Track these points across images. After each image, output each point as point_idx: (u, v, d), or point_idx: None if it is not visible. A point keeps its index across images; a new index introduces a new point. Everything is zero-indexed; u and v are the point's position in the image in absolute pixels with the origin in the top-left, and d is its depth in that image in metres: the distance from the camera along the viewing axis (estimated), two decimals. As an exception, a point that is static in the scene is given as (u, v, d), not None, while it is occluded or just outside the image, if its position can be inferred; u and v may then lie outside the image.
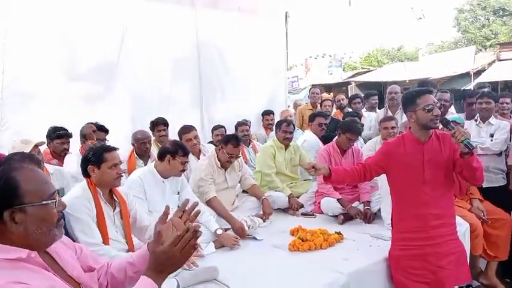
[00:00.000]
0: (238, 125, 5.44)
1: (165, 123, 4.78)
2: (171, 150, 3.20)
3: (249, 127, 5.50)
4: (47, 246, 1.30)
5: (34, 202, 1.22)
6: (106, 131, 4.34)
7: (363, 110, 6.28)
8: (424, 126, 2.62)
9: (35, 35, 4.48)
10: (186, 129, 4.48)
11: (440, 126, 2.70)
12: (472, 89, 7.99)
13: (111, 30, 5.05)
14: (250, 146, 5.36)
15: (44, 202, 1.24)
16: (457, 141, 2.41)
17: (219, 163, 3.83)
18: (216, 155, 3.85)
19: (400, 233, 2.76)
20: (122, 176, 2.63)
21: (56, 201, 1.29)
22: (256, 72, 6.59)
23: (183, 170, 3.29)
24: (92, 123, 4.17)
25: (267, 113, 6.40)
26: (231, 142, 3.76)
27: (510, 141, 4.07)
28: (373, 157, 2.92)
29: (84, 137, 4.07)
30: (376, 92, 6.68)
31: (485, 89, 4.96)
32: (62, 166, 3.75)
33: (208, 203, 3.56)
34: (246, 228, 3.42)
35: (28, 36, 4.43)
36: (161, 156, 3.25)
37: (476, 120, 4.31)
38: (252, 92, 6.61)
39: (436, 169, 2.64)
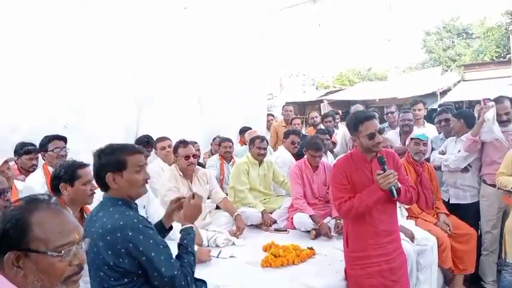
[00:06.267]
0: (222, 141, 5.33)
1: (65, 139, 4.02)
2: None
3: (232, 144, 5.35)
4: None
5: (39, 250, 1.11)
6: (64, 140, 3.92)
7: (341, 125, 6.44)
8: (366, 150, 2.69)
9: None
10: (160, 139, 4.63)
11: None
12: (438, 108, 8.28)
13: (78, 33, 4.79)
14: (231, 163, 5.19)
15: (49, 253, 1.12)
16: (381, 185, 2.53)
17: (181, 172, 3.87)
18: (177, 166, 3.88)
19: (357, 252, 2.75)
20: (95, 192, 2.53)
21: (63, 255, 1.14)
22: (235, 87, 6.49)
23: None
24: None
25: (242, 131, 6.32)
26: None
27: None
28: (344, 188, 2.71)
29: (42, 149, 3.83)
30: (331, 113, 6.86)
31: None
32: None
33: None
34: (206, 240, 3.53)
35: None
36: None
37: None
38: (230, 107, 6.48)
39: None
